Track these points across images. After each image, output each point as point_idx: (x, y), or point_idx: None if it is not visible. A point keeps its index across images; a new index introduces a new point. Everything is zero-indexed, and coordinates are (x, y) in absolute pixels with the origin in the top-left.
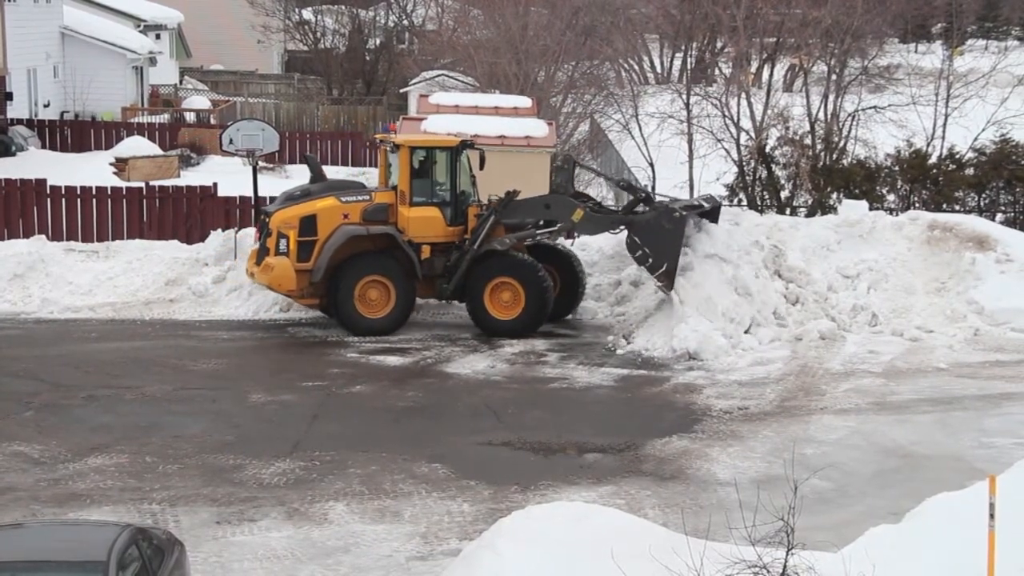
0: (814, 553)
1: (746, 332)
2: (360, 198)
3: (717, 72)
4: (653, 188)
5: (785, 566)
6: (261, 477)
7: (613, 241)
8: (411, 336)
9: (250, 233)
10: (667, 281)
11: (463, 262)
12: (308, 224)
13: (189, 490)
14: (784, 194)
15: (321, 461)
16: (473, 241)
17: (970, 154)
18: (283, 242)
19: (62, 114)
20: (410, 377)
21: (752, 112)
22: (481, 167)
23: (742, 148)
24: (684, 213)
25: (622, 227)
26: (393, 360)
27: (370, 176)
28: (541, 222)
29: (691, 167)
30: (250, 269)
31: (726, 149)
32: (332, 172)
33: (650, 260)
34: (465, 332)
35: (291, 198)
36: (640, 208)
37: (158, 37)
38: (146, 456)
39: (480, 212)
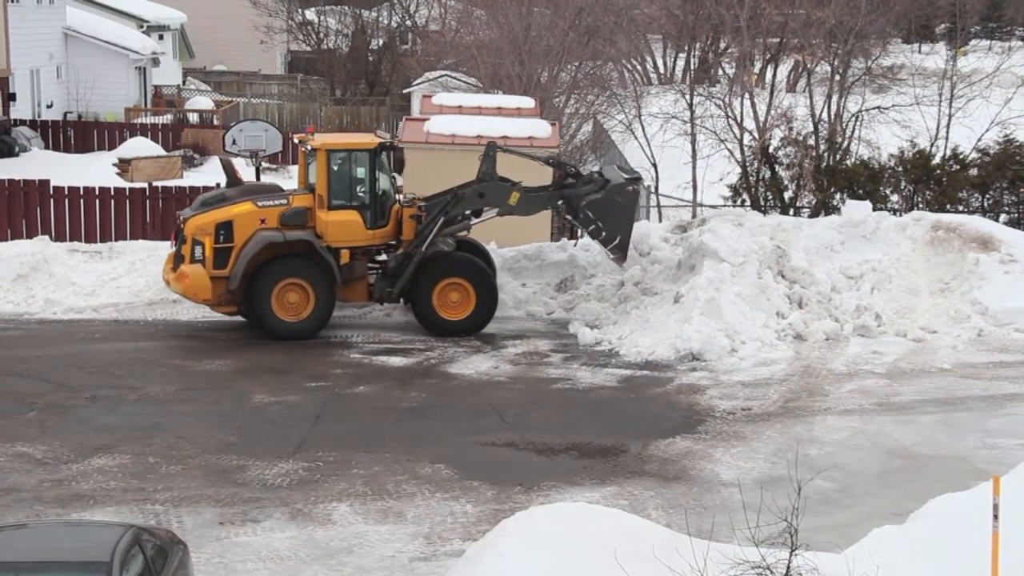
0: (818, 554)
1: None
2: (277, 202)
3: (720, 72)
4: (656, 189)
5: (789, 567)
6: (264, 478)
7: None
8: (414, 337)
9: None
10: (620, 254)
11: (410, 264)
12: (224, 230)
13: (192, 491)
14: (787, 194)
15: (324, 462)
16: (420, 243)
17: (974, 154)
18: (198, 249)
19: (65, 115)
20: (413, 378)
21: (755, 112)
22: (400, 170)
23: (745, 148)
24: (636, 187)
25: (560, 202)
26: (396, 361)
27: None
28: (468, 212)
29: (694, 167)
30: (166, 276)
31: (729, 149)
32: None
33: (603, 234)
34: None
35: (206, 203)
36: (569, 182)
37: (161, 38)
38: (149, 457)
39: (417, 213)
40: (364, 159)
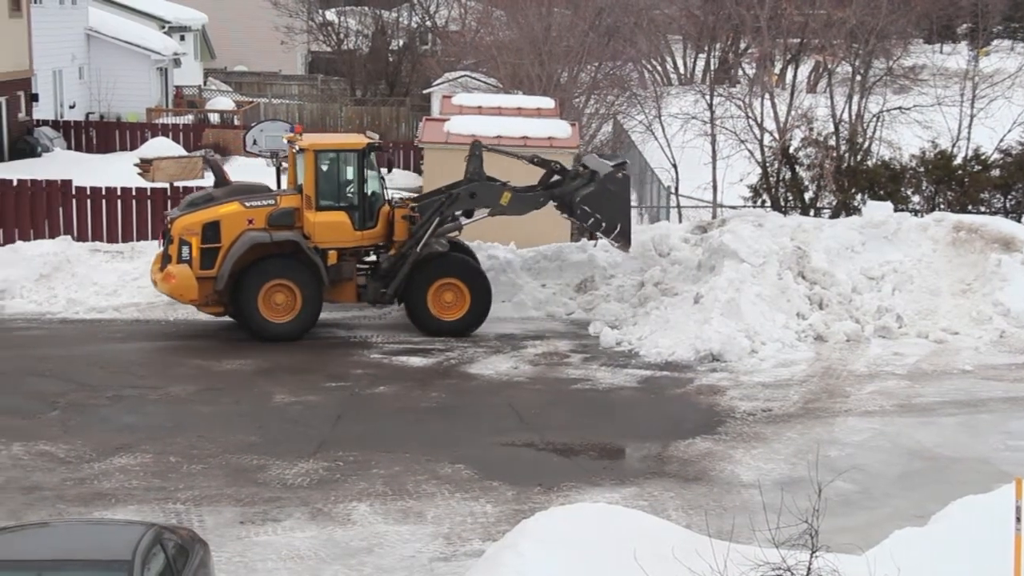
0: (838, 556)
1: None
2: (265, 203)
3: (740, 73)
4: (677, 189)
5: (809, 569)
6: (285, 477)
7: (636, 243)
8: (434, 337)
9: None
10: (623, 241)
11: (405, 265)
12: (211, 231)
13: (213, 490)
14: (808, 195)
15: (344, 462)
16: (415, 244)
17: (996, 155)
18: (185, 249)
19: (87, 115)
20: (433, 378)
21: (776, 113)
22: (389, 170)
23: (766, 149)
24: (625, 172)
25: (551, 201)
26: (416, 361)
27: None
28: (459, 212)
29: (715, 168)
30: (153, 276)
31: (750, 150)
32: None
33: (603, 225)
34: (488, 333)
35: (194, 203)
36: (556, 179)
37: (182, 38)
38: (171, 456)
39: (410, 214)
40: (352, 160)
